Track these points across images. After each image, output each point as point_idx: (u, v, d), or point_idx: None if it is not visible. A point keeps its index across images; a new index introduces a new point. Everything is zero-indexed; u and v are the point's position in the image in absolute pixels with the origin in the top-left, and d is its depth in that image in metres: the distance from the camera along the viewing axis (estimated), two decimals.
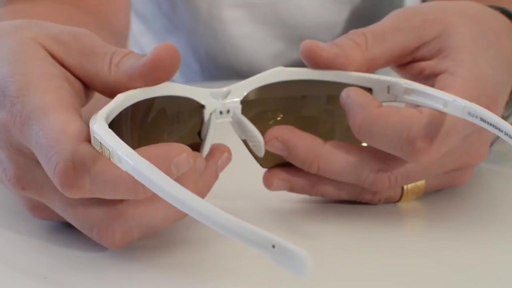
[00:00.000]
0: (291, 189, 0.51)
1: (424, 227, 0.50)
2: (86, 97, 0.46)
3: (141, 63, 0.44)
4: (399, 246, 0.48)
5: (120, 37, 0.75)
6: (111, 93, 0.45)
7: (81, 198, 0.43)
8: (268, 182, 0.50)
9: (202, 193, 0.46)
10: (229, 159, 0.48)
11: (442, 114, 0.46)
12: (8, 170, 0.45)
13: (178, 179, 0.43)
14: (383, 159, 0.49)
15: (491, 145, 0.58)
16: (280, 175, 0.50)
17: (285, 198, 0.52)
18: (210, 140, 0.47)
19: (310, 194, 0.51)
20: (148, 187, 0.36)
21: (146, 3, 0.92)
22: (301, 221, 0.50)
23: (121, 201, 0.44)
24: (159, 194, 0.35)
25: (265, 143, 0.49)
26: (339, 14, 0.89)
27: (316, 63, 0.49)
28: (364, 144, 0.50)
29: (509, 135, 0.43)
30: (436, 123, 0.46)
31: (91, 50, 0.45)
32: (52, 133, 0.41)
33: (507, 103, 0.55)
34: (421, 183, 0.52)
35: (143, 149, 0.43)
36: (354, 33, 0.50)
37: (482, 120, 0.44)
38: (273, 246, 0.31)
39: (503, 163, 0.59)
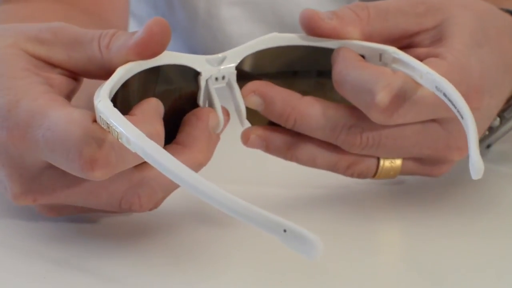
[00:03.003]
0: (267, 149, 0.51)
1: (422, 226, 0.51)
2: (73, 92, 0.47)
3: (134, 40, 0.44)
4: (398, 246, 0.49)
5: None
6: (108, 75, 0.45)
7: (97, 183, 0.43)
8: (245, 138, 0.51)
9: None
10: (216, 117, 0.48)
11: (415, 83, 0.47)
12: (10, 189, 0.45)
13: (191, 137, 0.46)
14: (358, 117, 0.49)
15: (490, 145, 0.59)
16: (257, 131, 0.50)
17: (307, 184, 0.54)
18: (218, 106, 0.47)
19: (285, 158, 0.51)
20: (159, 169, 0.37)
21: (142, 4, 0.92)
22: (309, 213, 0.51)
23: (137, 168, 0.44)
24: (170, 177, 0.36)
25: (243, 97, 0.49)
26: None
27: (315, 33, 0.50)
28: None
29: (460, 113, 0.44)
30: (406, 87, 0.47)
31: (75, 40, 0.45)
32: (60, 126, 0.42)
33: (509, 106, 0.55)
34: (397, 164, 0.52)
35: (139, 109, 0.44)
36: (358, 5, 0.50)
37: (444, 95, 0.45)
38: (285, 231, 0.32)
39: (503, 163, 0.59)
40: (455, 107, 0.44)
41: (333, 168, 0.51)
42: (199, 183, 0.34)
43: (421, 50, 0.50)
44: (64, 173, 0.43)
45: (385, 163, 0.51)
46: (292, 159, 0.51)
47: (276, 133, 0.51)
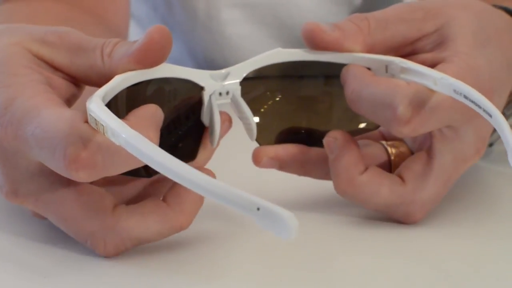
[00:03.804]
0: (280, 168, 0.51)
1: (422, 226, 0.50)
2: (74, 97, 0.47)
3: (135, 47, 0.44)
4: (397, 247, 0.48)
5: (118, 36, 0.75)
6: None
7: (72, 212, 0.44)
8: (256, 159, 0.51)
9: None
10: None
11: (430, 90, 0.47)
12: (4, 186, 0.45)
13: (178, 198, 0.45)
14: (409, 193, 0.49)
15: (492, 144, 0.59)
16: (268, 153, 0.51)
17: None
18: (217, 124, 0.47)
19: (298, 174, 0.51)
20: (140, 159, 0.36)
21: (142, 5, 0.92)
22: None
23: (112, 214, 0.44)
24: (151, 165, 0.36)
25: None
26: (338, 15, 0.89)
27: (317, 46, 0.49)
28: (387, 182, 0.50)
29: (487, 112, 0.43)
30: (422, 96, 0.47)
31: (79, 46, 0.46)
32: (50, 124, 0.42)
33: (508, 103, 0.55)
34: None
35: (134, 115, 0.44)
36: (357, 17, 0.50)
37: (465, 97, 0.44)
38: (258, 209, 0.32)
39: (504, 163, 0.57)
40: (480, 107, 0.44)
41: None
42: (173, 165, 0.34)
43: (425, 56, 0.50)
44: (50, 186, 0.44)
45: None
46: (306, 175, 0.52)
47: (288, 152, 0.51)
